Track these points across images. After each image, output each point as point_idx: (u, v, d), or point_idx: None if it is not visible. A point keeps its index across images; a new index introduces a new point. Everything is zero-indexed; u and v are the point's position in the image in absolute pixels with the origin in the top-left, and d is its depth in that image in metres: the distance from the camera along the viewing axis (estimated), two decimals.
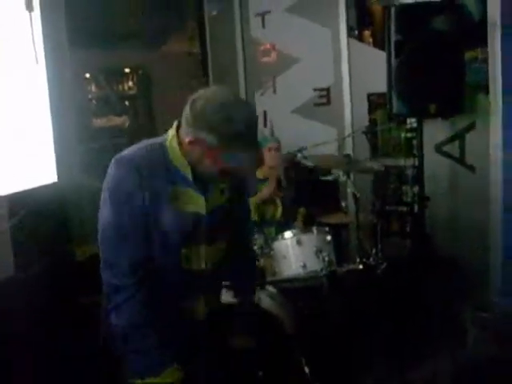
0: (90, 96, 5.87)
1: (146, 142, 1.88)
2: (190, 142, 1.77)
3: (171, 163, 1.83)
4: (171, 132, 1.86)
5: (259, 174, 3.91)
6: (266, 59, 4.95)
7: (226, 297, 2.36)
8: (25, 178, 2.99)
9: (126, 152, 1.83)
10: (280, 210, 3.91)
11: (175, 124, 1.86)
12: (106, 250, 1.82)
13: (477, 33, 3.90)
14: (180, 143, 1.82)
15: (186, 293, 1.96)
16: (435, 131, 4.22)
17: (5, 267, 2.78)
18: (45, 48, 3.27)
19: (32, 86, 3.17)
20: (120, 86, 6.08)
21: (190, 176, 1.84)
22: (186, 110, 1.77)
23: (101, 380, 2.21)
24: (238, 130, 1.72)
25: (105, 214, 1.80)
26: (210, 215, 1.91)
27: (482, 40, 3.88)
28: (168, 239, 1.85)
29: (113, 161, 1.80)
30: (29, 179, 3.02)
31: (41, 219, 3.06)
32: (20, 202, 2.92)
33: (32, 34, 3.18)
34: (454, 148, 4.23)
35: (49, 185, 3.15)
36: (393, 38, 3.74)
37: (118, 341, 1.84)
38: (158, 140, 1.88)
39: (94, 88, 5.93)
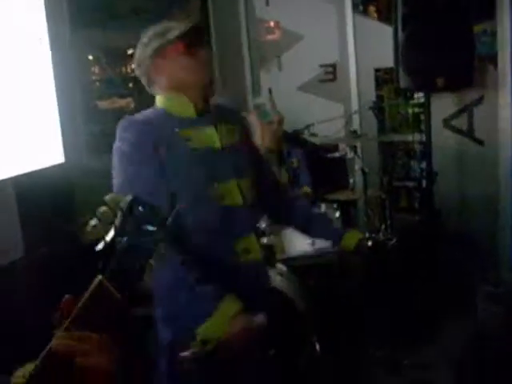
0: (93, 78, 5.83)
1: (137, 114, 1.94)
2: (153, 64, 1.89)
3: (170, 115, 1.89)
4: (156, 99, 1.95)
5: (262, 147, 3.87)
6: (270, 37, 4.90)
7: None
8: (32, 159, 2.97)
9: (128, 116, 1.89)
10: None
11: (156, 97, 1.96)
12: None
13: (486, 5, 3.84)
14: (165, 91, 1.92)
15: (224, 233, 1.89)
16: (443, 105, 4.18)
17: (15, 248, 2.78)
18: (48, 29, 3.23)
19: (36, 68, 3.14)
20: (123, 68, 6.03)
21: (192, 108, 1.90)
22: (138, 55, 1.92)
23: None
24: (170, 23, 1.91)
25: (121, 170, 1.80)
26: (226, 151, 1.93)
27: (491, 12, 3.83)
28: (192, 180, 1.83)
29: (120, 123, 1.85)
30: (36, 160, 3.00)
31: (48, 200, 3.05)
32: (27, 184, 2.90)
33: (35, 13, 3.14)
34: (462, 122, 4.19)
35: (56, 165, 3.13)
36: (399, 11, 3.69)
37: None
38: (144, 111, 1.94)
39: (97, 70, 5.88)
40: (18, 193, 2.86)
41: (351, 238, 2.26)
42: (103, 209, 1.54)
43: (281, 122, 3.87)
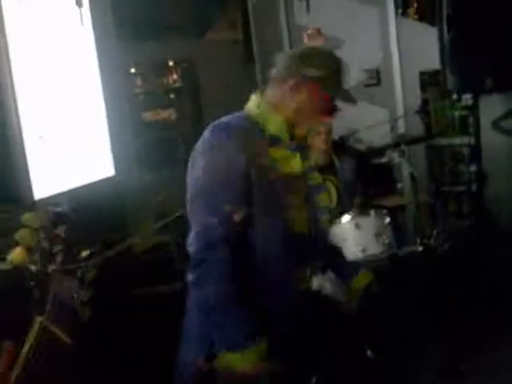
0: (136, 90, 5.92)
1: (229, 116, 1.91)
2: (295, 85, 1.84)
3: (262, 128, 1.87)
4: (253, 102, 1.92)
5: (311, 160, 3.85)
6: (312, 43, 4.88)
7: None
8: (83, 173, 3.03)
9: (222, 119, 1.87)
10: (335, 197, 3.83)
11: (255, 95, 1.93)
12: (199, 212, 1.79)
13: None
14: (270, 104, 1.88)
15: (290, 260, 1.89)
16: (491, 107, 4.09)
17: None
18: (95, 42, 3.30)
19: (85, 82, 3.20)
20: (164, 80, 6.11)
21: (285, 132, 1.88)
22: (283, 61, 1.89)
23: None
24: (339, 64, 1.95)
25: (200, 174, 1.80)
26: (304, 177, 1.94)
27: None
28: (272, 205, 1.83)
29: (210, 127, 1.84)
30: (87, 174, 3.06)
31: (101, 212, 3.09)
32: (80, 197, 2.95)
33: (82, 26, 3.21)
34: (511, 123, 4.09)
35: (107, 178, 3.18)
36: (444, 12, 3.64)
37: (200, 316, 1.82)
38: (236, 114, 1.92)
39: (139, 82, 5.97)
40: (71, 206, 2.91)
41: (362, 279, 2.30)
42: (21, 231, 1.41)
43: (329, 132, 3.81)
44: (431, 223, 3.80)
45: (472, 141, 3.99)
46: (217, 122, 1.87)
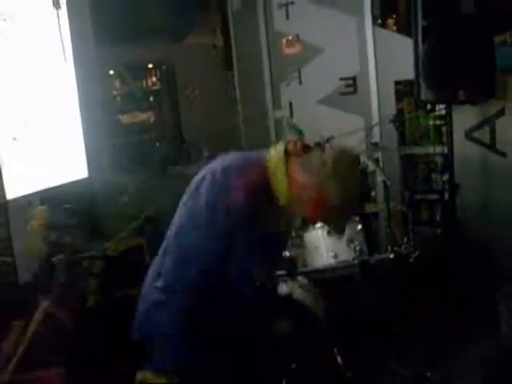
0: (114, 92, 5.90)
1: (249, 160, 2.01)
2: (305, 187, 1.92)
3: (269, 183, 1.94)
4: (276, 154, 1.97)
5: None
6: (290, 50, 4.92)
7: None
8: (56, 174, 3.02)
9: (238, 162, 1.98)
10: None
11: (281, 147, 1.98)
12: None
13: (506, 15, 3.83)
14: (287, 171, 1.94)
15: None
16: (464, 117, 4.15)
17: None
18: (72, 45, 3.29)
19: (61, 84, 3.19)
20: (144, 82, 6.10)
21: (284, 199, 1.95)
22: (316, 159, 1.94)
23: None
24: (352, 196, 1.95)
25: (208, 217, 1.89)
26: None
27: (511, 22, 3.82)
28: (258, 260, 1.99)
29: (226, 171, 1.93)
30: (60, 175, 3.05)
31: (73, 214, 3.08)
32: (52, 198, 2.94)
33: (60, 31, 3.20)
34: (484, 134, 4.16)
35: (80, 180, 3.18)
36: (419, 24, 3.69)
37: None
38: (256, 157, 2.01)
39: (118, 84, 5.95)
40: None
41: None
42: (33, 223, 1.56)
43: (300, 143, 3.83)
44: (403, 231, 3.85)
45: (445, 150, 4.03)
46: (232, 165, 1.96)
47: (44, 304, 0.89)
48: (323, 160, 1.94)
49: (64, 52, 3.24)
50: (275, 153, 1.99)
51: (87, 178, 3.22)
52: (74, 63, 3.28)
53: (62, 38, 3.22)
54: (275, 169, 1.95)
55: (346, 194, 1.92)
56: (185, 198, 2.01)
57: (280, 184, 1.94)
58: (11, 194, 2.65)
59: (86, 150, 3.25)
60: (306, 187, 1.93)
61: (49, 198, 2.88)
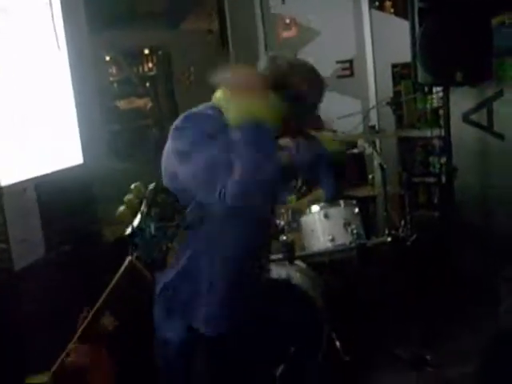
0: (111, 78, 5.86)
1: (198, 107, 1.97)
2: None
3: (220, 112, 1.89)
4: (220, 93, 1.94)
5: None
6: (286, 33, 4.89)
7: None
8: (51, 160, 3.00)
9: (194, 109, 1.94)
10: None
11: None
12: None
13: None
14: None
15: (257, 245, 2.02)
16: (462, 100, 4.13)
17: (35, 249, 2.81)
18: (65, 33, 3.25)
19: (55, 72, 3.16)
20: (140, 68, 6.06)
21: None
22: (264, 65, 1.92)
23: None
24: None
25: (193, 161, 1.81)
26: None
27: (509, 4, 3.78)
28: None
29: (183, 117, 1.90)
30: (55, 162, 3.03)
31: (68, 200, 3.07)
32: (48, 184, 2.93)
33: (52, 19, 3.16)
34: (481, 116, 4.14)
35: (75, 166, 3.16)
36: (416, 6, 3.67)
37: None
38: (206, 104, 1.97)
39: (114, 70, 5.92)
40: (38, 193, 2.89)
41: None
42: (129, 197, 1.60)
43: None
44: (400, 214, 3.85)
45: (443, 133, 4.02)
46: (189, 111, 1.93)
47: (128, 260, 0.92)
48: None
49: (57, 40, 3.20)
50: (219, 92, 1.97)
51: (82, 164, 3.20)
52: (68, 51, 3.25)
53: (54, 27, 3.18)
54: (219, 97, 1.94)
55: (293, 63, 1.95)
56: None
57: (229, 104, 1.88)
58: (6, 180, 2.63)
59: (81, 136, 3.22)
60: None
61: (44, 184, 2.86)
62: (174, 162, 1.86)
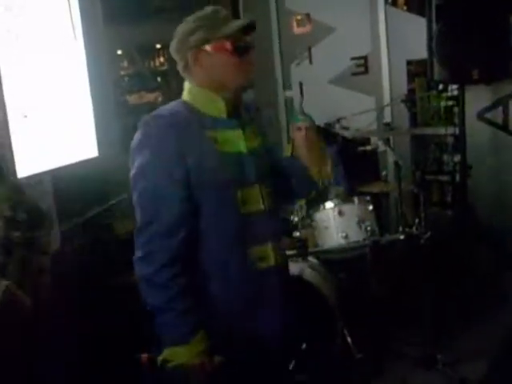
0: (122, 73, 5.86)
1: (164, 106, 1.85)
2: (194, 57, 1.78)
3: (199, 112, 1.81)
4: (185, 88, 1.86)
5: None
6: (301, 29, 4.87)
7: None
8: (67, 152, 3.01)
9: (154, 112, 1.81)
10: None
11: (187, 81, 1.86)
12: (145, 210, 1.74)
13: None
14: (199, 86, 1.82)
15: (251, 240, 1.84)
16: (477, 98, 4.10)
17: (52, 241, 2.82)
18: (82, 24, 3.26)
19: (71, 63, 3.17)
20: (152, 62, 6.06)
21: (222, 108, 1.82)
22: (175, 45, 1.82)
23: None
24: (221, 13, 1.82)
25: (140, 174, 1.73)
26: (251, 155, 1.87)
27: None
28: (218, 186, 1.77)
29: (142, 122, 1.77)
30: (71, 154, 3.04)
31: (84, 193, 3.09)
32: (63, 177, 2.94)
33: (69, 9, 3.17)
34: (496, 115, 4.11)
35: (90, 159, 3.17)
36: (434, 2, 3.64)
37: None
38: (172, 103, 1.86)
39: (125, 64, 5.92)
40: (54, 185, 2.90)
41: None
42: None
43: (309, 129, 3.74)
44: (414, 212, 3.83)
45: (457, 131, 4.00)
46: (147, 116, 1.79)
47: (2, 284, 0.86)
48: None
49: (74, 30, 3.21)
50: (185, 88, 1.88)
51: (98, 157, 3.21)
52: (84, 41, 3.25)
53: (71, 17, 3.19)
54: (190, 93, 1.84)
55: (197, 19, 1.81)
56: None
57: (201, 97, 1.82)
58: (22, 172, 2.64)
59: (97, 129, 3.23)
60: (194, 65, 1.81)
61: (60, 176, 2.88)
62: None
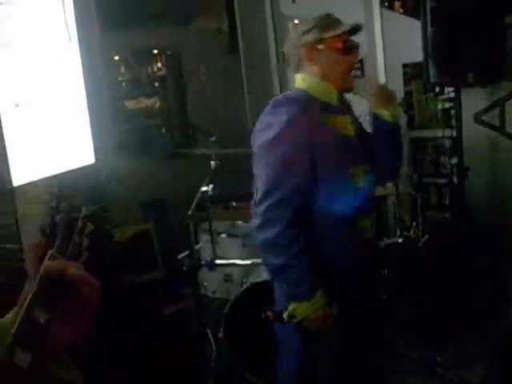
0: (119, 78, 5.87)
1: (286, 92, 2.21)
2: (310, 52, 2.06)
3: (316, 99, 2.06)
4: (299, 78, 2.12)
5: None
6: None
7: None
8: (63, 160, 3.00)
9: (284, 94, 2.13)
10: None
11: (299, 74, 2.12)
12: (269, 179, 1.95)
13: None
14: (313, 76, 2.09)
15: (360, 212, 2.07)
16: (473, 100, 4.11)
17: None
18: (77, 30, 3.25)
19: (67, 69, 3.16)
20: (149, 68, 6.06)
21: (335, 97, 2.09)
22: (293, 39, 2.13)
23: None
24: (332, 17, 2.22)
25: (270, 147, 1.96)
26: (356, 138, 2.13)
27: None
28: (336, 163, 2.02)
29: (273, 101, 2.04)
30: (67, 161, 3.03)
31: (80, 200, 3.07)
32: (61, 183, 2.93)
33: (64, 11, 3.16)
34: (493, 117, 4.12)
35: (87, 166, 3.16)
36: (428, 5, 3.64)
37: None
38: (291, 91, 2.17)
39: (123, 70, 5.92)
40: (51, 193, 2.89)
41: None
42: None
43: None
44: (412, 214, 3.83)
45: (454, 133, 4.00)
46: (277, 98, 2.07)
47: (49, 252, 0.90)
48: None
49: (68, 31, 3.20)
50: (297, 79, 2.12)
51: (94, 164, 3.20)
52: (80, 48, 3.25)
53: (65, 18, 3.18)
54: (306, 81, 2.08)
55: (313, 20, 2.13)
56: None
57: (316, 85, 2.06)
58: (17, 180, 2.64)
59: (93, 136, 3.22)
60: (310, 59, 2.07)
61: (56, 184, 2.87)
62: None
